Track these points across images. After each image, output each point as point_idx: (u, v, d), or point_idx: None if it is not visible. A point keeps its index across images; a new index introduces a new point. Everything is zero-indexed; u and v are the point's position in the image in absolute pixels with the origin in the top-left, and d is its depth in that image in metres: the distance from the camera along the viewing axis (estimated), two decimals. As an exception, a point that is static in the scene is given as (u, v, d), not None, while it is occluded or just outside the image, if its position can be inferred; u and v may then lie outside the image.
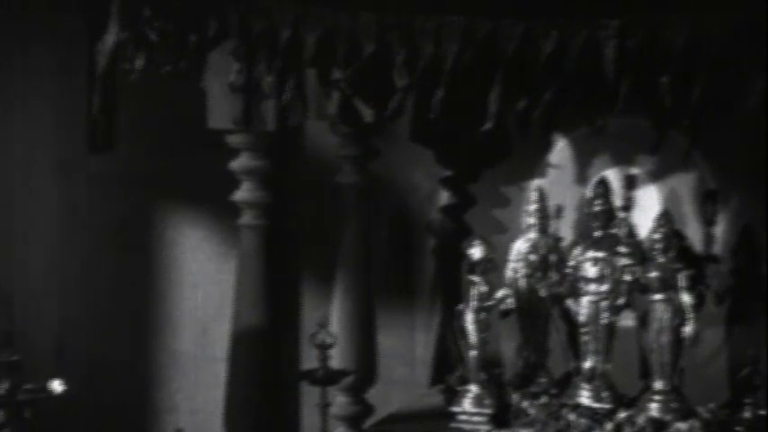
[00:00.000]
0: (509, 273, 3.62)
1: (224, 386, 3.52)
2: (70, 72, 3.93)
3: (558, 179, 3.84)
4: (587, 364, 3.43)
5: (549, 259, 3.57)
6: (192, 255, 4.19)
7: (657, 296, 3.36)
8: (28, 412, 2.79)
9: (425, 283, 4.15)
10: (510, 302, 3.57)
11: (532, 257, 3.61)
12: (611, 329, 3.42)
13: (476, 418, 3.47)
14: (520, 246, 3.63)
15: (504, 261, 3.61)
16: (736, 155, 3.60)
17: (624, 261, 3.42)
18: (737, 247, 3.58)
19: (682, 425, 3.24)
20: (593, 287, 3.44)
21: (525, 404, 3.45)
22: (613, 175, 3.62)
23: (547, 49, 2.89)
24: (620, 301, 3.42)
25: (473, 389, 3.50)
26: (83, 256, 4.32)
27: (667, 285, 3.35)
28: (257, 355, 3.35)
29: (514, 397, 3.49)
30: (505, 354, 3.84)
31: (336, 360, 3.43)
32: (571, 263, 3.49)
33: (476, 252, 3.51)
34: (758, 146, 3.39)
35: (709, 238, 3.63)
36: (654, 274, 3.37)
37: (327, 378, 3.28)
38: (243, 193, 3.32)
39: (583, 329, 3.44)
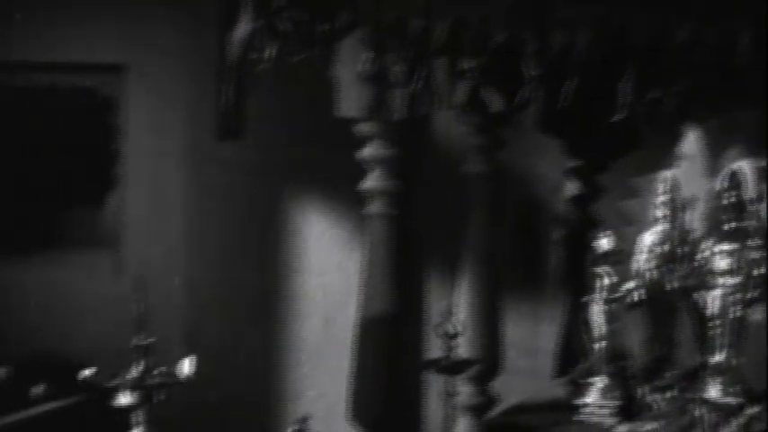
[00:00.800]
0: (637, 265, 3.59)
1: (349, 374, 3.54)
2: (201, 59, 3.98)
3: (688, 170, 3.78)
4: (716, 359, 3.38)
5: (678, 251, 3.53)
6: (318, 243, 4.22)
7: (789, 290, 3.31)
8: (158, 395, 2.82)
9: (551, 274, 4.13)
10: (638, 295, 3.54)
11: (661, 249, 3.57)
12: (741, 323, 3.37)
13: (601, 411, 3.45)
14: (648, 238, 3.59)
15: (632, 253, 3.58)
16: None
17: (755, 254, 3.37)
18: None
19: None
20: (723, 280, 3.39)
21: (651, 398, 3.41)
22: (745, 167, 3.56)
23: (680, 38, 2.86)
24: (752, 294, 3.36)
25: (599, 381, 3.48)
26: (211, 242, 4.38)
27: (799, 279, 3.30)
28: (382, 343, 3.35)
29: (640, 390, 3.46)
30: (632, 347, 3.80)
31: (461, 350, 3.43)
32: (701, 255, 3.44)
33: (603, 244, 3.48)
34: None
35: None
36: (786, 268, 3.32)
37: (452, 367, 3.27)
38: (371, 182, 3.32)
39: (712, 323, 3.39)
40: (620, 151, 3.89)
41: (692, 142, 3.78)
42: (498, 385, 3.80)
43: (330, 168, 4.06)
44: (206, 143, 4.17)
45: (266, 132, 4.16)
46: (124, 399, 2.76)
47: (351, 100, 3.20)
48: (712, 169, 3.74)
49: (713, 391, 3.36)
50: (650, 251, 3.58)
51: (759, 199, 3.50)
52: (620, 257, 3.49)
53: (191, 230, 4.45)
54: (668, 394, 3.41)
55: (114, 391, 2.78)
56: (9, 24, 4.60)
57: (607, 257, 3.47)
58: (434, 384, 3.57)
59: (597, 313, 3.47)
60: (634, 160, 3.92)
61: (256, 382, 4.32)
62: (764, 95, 3.03)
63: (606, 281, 3.46)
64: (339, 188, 4.03)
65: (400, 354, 3.37)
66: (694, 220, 3.62)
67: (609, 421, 3.41)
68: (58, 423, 4.17)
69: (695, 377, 3.48)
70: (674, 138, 3.80)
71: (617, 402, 3.43)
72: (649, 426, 3.34)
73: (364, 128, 3.32)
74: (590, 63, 2.94)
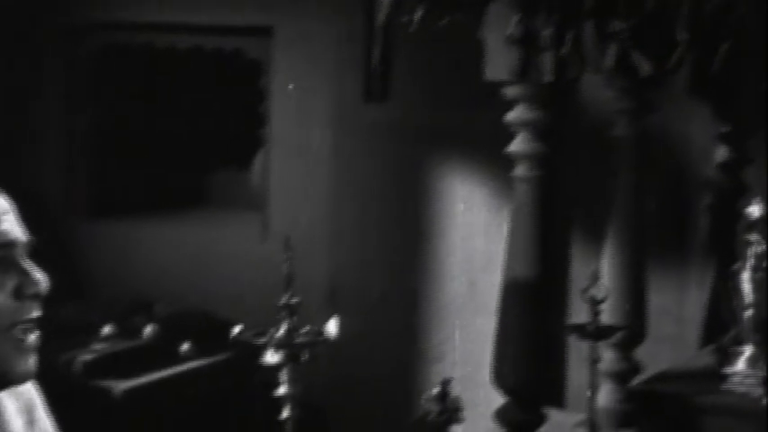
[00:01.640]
0: (789, 233, 3.51)
1: (492, 338, 3.54)
2: (348, 22, 4.00)
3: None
4: None
5: (833, 220, 3.44)
6: (463, 205, 4.22)
7: None
8: (304, 354, 2.85)
9: (699, 240, 4.06)
10: (788, 263, 3.47)
11: (815, 217, 3.48)
12: None
13: (749, 380, 3.39)
14: (801, 205, 3.51)
15: (784, 220, 3.50)
16: None
17: None
18: None
19: None
20: None
21: (798, 369, 3.35)
22: None
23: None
24: None
25: (747, 350, 3.42)
26: (356, 204, 4.41)
27: None
28: (527, 308, 3.34)
29: (788, 361, 3.39)
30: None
31: (606, 315, 3.39)
32: None
33: (755, 211, 3.41)
34: None
35: None
36: None
37: (597, 333, 3.24)
38: (518, 145, 3.30)
39: None
40: (772, 116, 3.81)
41: None
42: (642, 352, 3.76)
43: (476, 131, 4.05)
44: (352, 106, 4.20)
45: (412, 95, 4.17)
46: (271, 357, 2.79)
47: (498, 63, 3.18)
48: None
49: None
50: (803, 219, 3.50)
51: None
52: (771, 225, 3.42)
53: (336, 192, 4.49)
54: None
55: (262, 349, 2.82)
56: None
57: (758, 225, 3.40)
58: (578, 350, 3.54)
59: (746, 281, 3.41)
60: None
61: (399, 343, 4.35)
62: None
63: (756, 249, 3.40)
64: (485, 151, 4.02)
65: (544, 318, 3.35)
66: None
67: (757, 391, 3.35)
68: (205, 381, 4.26)
69: None
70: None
71: (764, 373, 3.37)
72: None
73: (512, 91, 3.30)
74: (745, 25, 2.88)
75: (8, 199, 1.71)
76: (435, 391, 3.09)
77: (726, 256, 3.74)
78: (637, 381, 3.73)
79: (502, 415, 3.32)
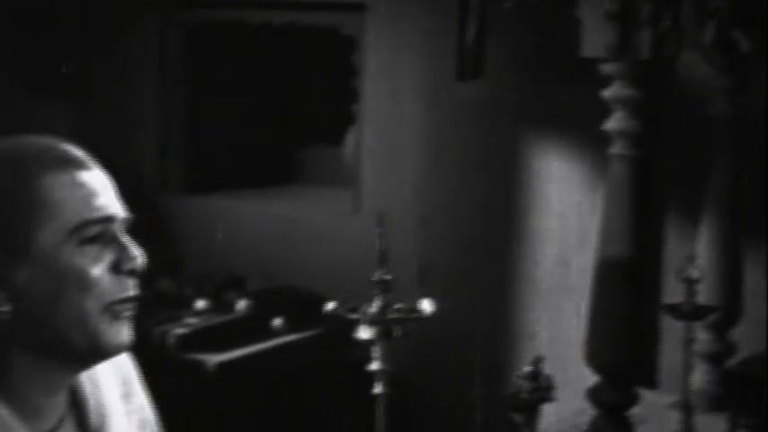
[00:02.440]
0: None
1: (584, 317, 3.51)
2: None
3: None
4: None
5: None
6: (556, 184, 4.19)
7: None
8: (397, 331, 2.85)
9: (798, 221, 4.00)
10: None
11: None
12: None
13: None
14: None
15: None
16: None
17: None
18: None
19: None
20: None
21: None
22: None
23: None
24: None
25: None
26: (447, 181, 4.40)
27: None
28: (621, 287, 3.30)
29: None
30: None
31: (701, 296, 3.35)
32: None
33: None
34: None
35: None
36: None
37: (693, 313, 3.21)
38: (614, 123, 3.26)
39: None
40: None
41: None
42: (738, 334, 3.71)
43: (571, 109, 4.01)
44: (445, 83, 4.18)
45: (506, 72, 4.14)
46: (364, 333, 2.80)
47: (595, 39, 3.15)
48: None
49: None
50: None
51: None
52: None
53: (427, 170, 4.49)
54: None
55: (355, 324, 2.83)
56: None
57: None
58: (672, 330, 3.51)
59: None
60: None
61: (491, 321, 4.34)
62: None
63: None
64: (580, 129, 3.99)
65: (638, 298, 3.32)
66: None
67: None
68: (297, 355, 4.29)
69: None
70: None
71: None
72: None
73: (608, 68, 3.26)
74: None
75: (107, 175, 1.72)
76: (527, 369, 3.08)
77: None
78: (732, 362, 3.69)
79: (594, 394, 3.30)
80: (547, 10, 3.16)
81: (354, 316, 2.80)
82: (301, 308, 4.37)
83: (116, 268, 1.69)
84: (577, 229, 4.13)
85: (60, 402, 1.74)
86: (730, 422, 3.35)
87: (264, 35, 5.07)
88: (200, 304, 4.32)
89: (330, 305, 2.83)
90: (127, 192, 1.77)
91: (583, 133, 3.95)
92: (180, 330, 4.09)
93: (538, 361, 3.09)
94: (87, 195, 1.67)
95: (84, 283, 1.65)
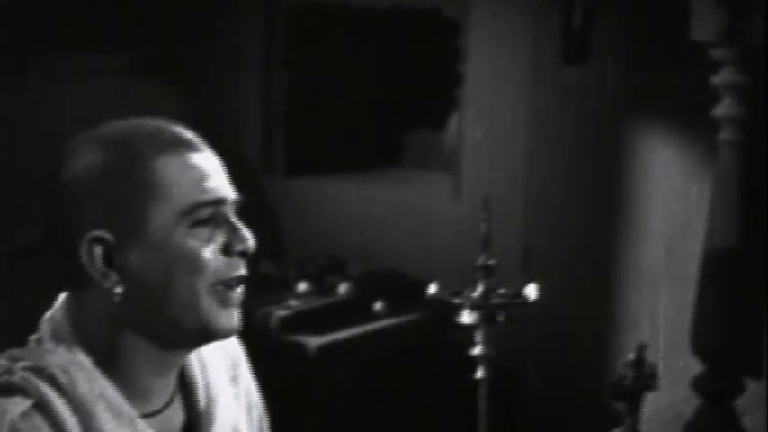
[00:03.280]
0: None
1: (688, 305, 3.47)
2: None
3: None
4: None
5: None
6: (662, 171, 4.13)
7: None
8: (501, 316, 2.84)
9: None
10: None
11: None
12: None
13: None
14: None
15: None
16: None
17: None
18: None
19: None
20: None
21: None
22: None
23: None
24: None
25: None
26: (551, 166, 4.37)
27: None
28: (728, 275, 3.25)
29: None
30: None
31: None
32: None
33: None
34: None
35: None
36: None
37: (802, 303, 3.15)
38: (723, 109, 3.20)
39: None
40: None
41: None
42: None
43: (679, 94, 3.95)
44: (550, 67, 4.15)
45: (613, 56, 4.09)
46: (467, 317, 2.79)
47: (705, 23, 3.09)
48: None
49: None
50: None
51: None
52: None
53: (530, 155, 4.46)
54: None
55: (457, 309, 2.82)
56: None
57: None
58: (779, 320, 3.45)
59: None
60: None
61: (594, 307, 4.30)
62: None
63: None
64: (687, 114, 3.93)
65: (746, 287, 3.26)
66: None
67: None
68: (398, 339, 4.29)
69: None
70: None
71: None
72: None
73: (718, 53, 3.20)
74: None
75: (217, 157, 1.73)
76: (631, 356, 3.04)
77: None
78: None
79: (699, 383, 3.25)
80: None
81: (457, 300, 2.79)
82: (402, 291, 4.37)
83: (227, 250, 1.69)
84: (683, 217, 4.07)
85: (169, 384, 1.75)
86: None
87: (367, 18, 5.07)
88: (302, 287, 4.34)
89: (432, 289, 2.83)
90: (229, 174, 1.78)
91: (690, 119, 3.89)
92: (282, 312, 4.12)
93: (642, 348, 3.06)
94: (199, 177, 1.68)
95: (195, 265, 1.66)
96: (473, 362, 2.77)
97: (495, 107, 4.54)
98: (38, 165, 3.23)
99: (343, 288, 4.34)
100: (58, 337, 1.69)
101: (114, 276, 1.66)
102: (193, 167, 1.68)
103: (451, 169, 4.78)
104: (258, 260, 4.30)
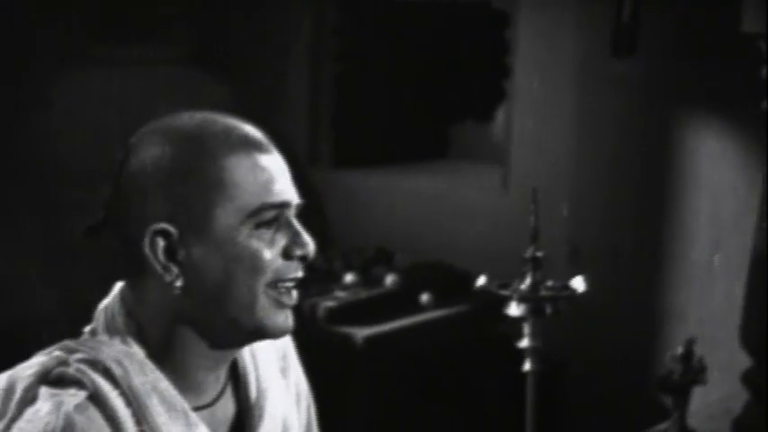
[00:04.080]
0: None
1: (737, 300, 3.45)
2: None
3: None
4: None
5: None
6: (712, 164, 4.11)
7: None
8: (548, 308, 2.84)
9: None
10: None
11: None
12: None
13: None
14: None
15: None
16: None
17: None
18: None
19: None
20: None
21: None
22: None
23: None
24: None
25: None
26: (599, 158, 4.36)
27: None
28: (778, 269, 3.23)
29: None
30: None
31: None
32: None
33: None
34: None
35: None
36: None
37: None
38: (773, 102, 3.19)
39: None
40: None
41: None
42: None
43: (729, 86, 3.93)
44: (599, 59, 4.13)
45: (662, 48, 4.07)
46: (515, 309, 2.79)
47: (756, 14, 3.08)
48: None
49: None
50: None
51: None
52: None
53: (577, 147, 4.44)
54: None
55: (505, 301, 2.82)
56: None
57: None
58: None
59: None
60: None
61: (641, 301, 4.28)
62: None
63: None
64: (737, 107, 3.90)
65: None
66: None
67: None
68: (445, 331, 4.30)
69: None
70: None
71: None
72: None
73: (768, 45, 3.19)
74: None
75: (283, 159, 1.74)
76: (679, 350, 3.04)
77: None
78: None
79: (748, 378, 3.24)
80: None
81: (505, 292, 2.79)
82: (449, 283, 4.37)
83: (287, 254, 1.70)
84: (732, 210, 4.05)
85: (220, 377, 1.77)
86: None
87: (416, 10, 5.08)
88: (350, 278, 4.35)
89: (481, 281, 2.83)
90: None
91: (740, 112, 3.87)
92: (329, 303, 4.13)
93: (690, 342, 3.05)
94: (267, 179, 1.69)
95: (256, 266, 1.67)
96: (521, 354, 2.77)
97: (543, 99, 4.52)
98: (91, 155, 3.26)
99: (390, 279, 4.35)
100: (112, 329, 1.71)
101: (175, 270, 1.67)
102: (262, 169, 1.69)
103: (499, 161, 4.78)
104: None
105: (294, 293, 1.72)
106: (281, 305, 1.71)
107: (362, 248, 4.63)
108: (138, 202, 1.67)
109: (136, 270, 1.70)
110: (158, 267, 1.67)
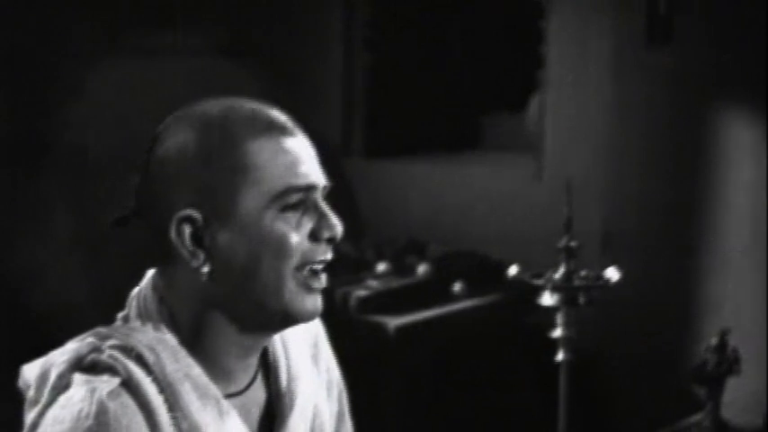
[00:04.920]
0: None
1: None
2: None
3: None
4: None
5: None
6: (747, 154, 4.08)
7: None
8: (581, 298, 2.83)
9: None
10: None
11: None
12: None
13: None
14: None
15: None
16: None
17: None
18: None
19: None
20: None
21: None
22: None
23: None
24: None
25: None
26: (634, 148, 4.33)
27: None
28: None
29: None
30: None
31: None
32: None
33: None
34: None
35: None
36: None
37: None
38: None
39: None
40: None
41: None
42: None
43: (764, 76, 3.90)
44: (634, 48, 4.11)
45: (698, 37, 4.05)
46: (548, 299, 2.79)
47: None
48: None
49: None
50: None
51: None
52: None
53: (612, 137, 4.42)
54: None
55: (538, 290, 2.82)
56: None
57: None
58: None
59: None
60: None
61: (676, 291, 4.26)
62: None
63: None
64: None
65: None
66: None
67: None
68: (477, 320, 4.29)
69: None
70: None
71: None
72: None
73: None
74: None
75: (311, 143, 1.73)
76: (713, 341, 3.02)
77: None
78: None
79: (783, 370, 3.22)
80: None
81: (538, 282, 2.79)
82: (482, 273, 4.36)
83: (315, 236, 1.70)
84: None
85: (252, 364, 1.77)
86: None
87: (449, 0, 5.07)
88: (382, 267, 4.35)
89: (513, 270, 2.83)
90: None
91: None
92: (361, 292, 4.13)
93: (725, 333, 3.03)
94: (292, 162, 1.68)
95: (282, 249, 1.67)
96: (554, 344, 2.77)
97: (577, 89, 4.50)
98: (122, 144, 3.27)
99: (422, 269, 4.34)
100: (144, 316, 1.71)
101: (202, 256, 1.67)
102: (287, 152, 1.68)
103: (533, 151, 4.76)
104: (340, 240, 4.32)
105: (323, 277, 1.72)
106: (309, 289, 1.70)
107: (395, 238, 4.63)
108: (164, 190, 1.68)
109: (165, 257, 1.70)
110: (185, 253, 1.67)
